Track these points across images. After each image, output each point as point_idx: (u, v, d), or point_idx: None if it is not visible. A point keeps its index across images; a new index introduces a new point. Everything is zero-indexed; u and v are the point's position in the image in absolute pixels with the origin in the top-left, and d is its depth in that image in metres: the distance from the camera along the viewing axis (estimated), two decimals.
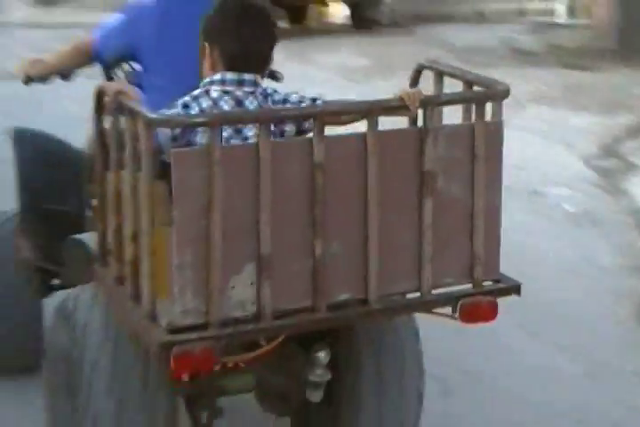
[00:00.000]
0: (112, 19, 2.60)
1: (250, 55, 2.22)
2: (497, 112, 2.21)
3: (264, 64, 2.28)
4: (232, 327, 1.99)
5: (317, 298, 2.06)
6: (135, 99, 2.06)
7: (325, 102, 2.30)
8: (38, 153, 2.76)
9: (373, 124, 2.09)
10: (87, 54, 2.64)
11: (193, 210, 1.93)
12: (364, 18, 10.80)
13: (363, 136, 2.09)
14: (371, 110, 2.11)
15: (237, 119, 2.09)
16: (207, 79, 2.23)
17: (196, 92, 2.21)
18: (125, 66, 2.54)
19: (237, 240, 1.97)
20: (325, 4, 12.37)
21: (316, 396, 2.36)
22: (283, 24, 12.64)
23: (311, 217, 2.03)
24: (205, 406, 2.40)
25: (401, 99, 2.13)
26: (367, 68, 8.22)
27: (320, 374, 2.34)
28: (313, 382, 2.34)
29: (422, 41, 9.51)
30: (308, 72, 8.44)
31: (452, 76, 2.36)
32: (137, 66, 2.55)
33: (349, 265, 2.08)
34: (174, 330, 1.96)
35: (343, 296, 2.10)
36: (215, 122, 1.96)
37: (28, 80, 2.78)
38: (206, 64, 2.25)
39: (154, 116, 1.94)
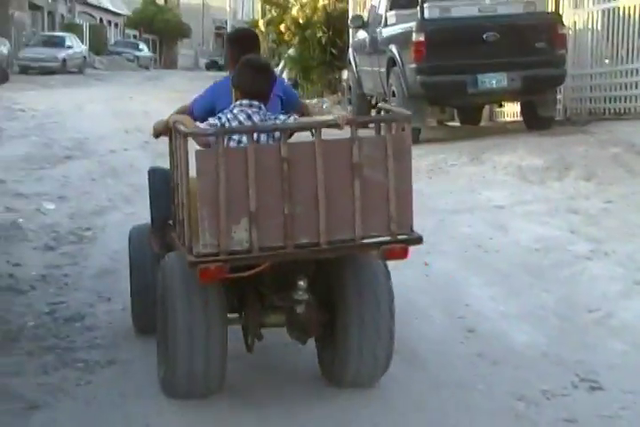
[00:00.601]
0: (203, 91, 4.12)
1: (255, 91, 3.75)
2: (403, 128, 3.56)
3: (265, 96, 3.78)
4: (233, 255, 3.38)
5: (287, 240, 3.43)
6: (188, 125, 3.57)
7: (295, 120, 3.74)
8: (162, 183, 4.12)
9: (319, 135, 3.45)
10: (187, 113, 4.01)
11: (208, 185, 3.32)
12: (537, 117, 10.82)
13: (312, 142, 3.45)
14: (317, 127, 3.49)
15: (234, 131, 3.57)
16: (233, 104, 3.76)
17: (225, 109, 3.75)
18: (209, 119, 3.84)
19: (236, 203, 3.36)
20: (500, 105, 12.50)
21: (300, 308, 3.65)
22: (454, 124, 12.86)
23: (282, 190, 3.40)
24: (252, 333, 3.78)
25: (335, 120, 3.58)
26: (542, 169, 8.19)
27: (301, 294, 3.61)
28: (296, 299, 3.63)
29: (598, 139, 9.43)
30: (483, 173, 8.51)
31: (382, 108, 4.08)
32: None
33: (307, 221, 3.42)
34: (200, 256, 3.36)
35: (303, 240, 3.44)
36: (219, 133, 3.42)
37: (157, 135, 4.06)
38: (234, 97, 3.80)
39: (186, 130, 3.47)
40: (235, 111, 3.70)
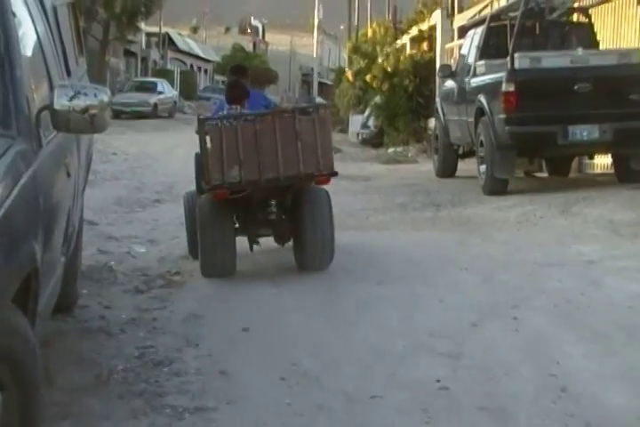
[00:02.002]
0: (215, 106, 7.52)
1: (233, 100, 6.92)
2: (325, 111, 6.63)
3: (239, 102, 6.84)
4: (230, 184, 6.29)
5: (260, 176, 6.29)
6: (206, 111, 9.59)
7: (268, 108, 6.94)
8: (199, 167, 6.80)
9: (278, 116, 6.41)
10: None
11: (215, 146, 6.24)
12: (629, 170, 10.66)
13: (272, 120, 6.34)
14: (275, 113, 6.50)
15: (225, 117, 6.46)
16: (226, 108, 6.91)
17: (222, 110, 6.88)
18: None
19: (231, 156, 6.25)
20: (590, 157, 12.34)
21: (272, 216, 6.63)
22: (542, 175, 12.73)
23: (256, 148, 6.26)
24: (251, 239, 6.82)
25: (284, 108, 7.15)
26: (635, 223, 8.04)
27: (272, 210, 6.61)
28: (269, 212, 6.63)
29: None
30: (573, 226, 8.39)
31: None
32: None
33: (271, 165, 6.26)
34: (212, 186, 6.33)
35: (270, 175, 6.29)
36: (220, 118, 6.48)
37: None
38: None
39: (203, 117, 6.52)
40: (225, 111, 6.92)
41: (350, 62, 27.54)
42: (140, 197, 10.98)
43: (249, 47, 67.37)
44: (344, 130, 28.74)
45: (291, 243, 6.84)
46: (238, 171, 6.30)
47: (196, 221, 6.56)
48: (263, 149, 6.30)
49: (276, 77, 65.89)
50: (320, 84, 70.49)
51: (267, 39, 76.12)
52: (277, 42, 75.02)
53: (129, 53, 44.79)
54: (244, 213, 6.73)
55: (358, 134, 23.96)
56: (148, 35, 48.01)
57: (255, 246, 7.03)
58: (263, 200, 6.62)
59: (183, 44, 54.82)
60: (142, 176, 13.55)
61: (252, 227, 6.79)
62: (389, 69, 20.70)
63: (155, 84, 37.28)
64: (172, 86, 41.06)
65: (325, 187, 6.75)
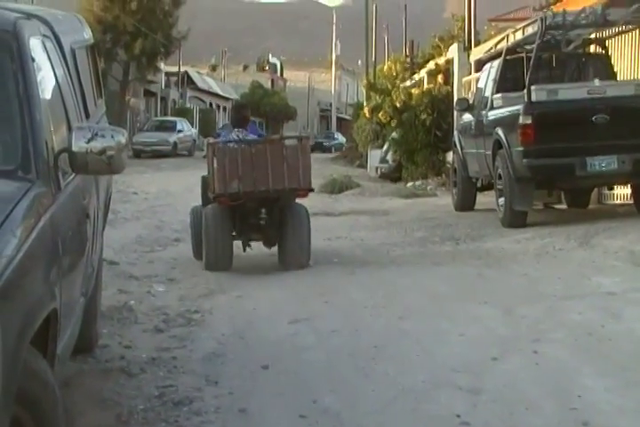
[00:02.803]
0: (222, 134, 9.21)
1: (239, 123, 8.96)
2: (305, 141, 9.06)
3: (244, 126, 8.91)
4: (230, 194, 8.42)
5: (254, 188, 8.43)
6: (215, 141, 8.87)
7: (261, 137, 9.15)
8: (204, 187, 8.98)
9: (273, 143, 8.83)
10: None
11: (220, 163, 8.42)
12: None
13: (265, 146, 8.56)
14: (267, 141, 8.86)
15: (229, 141, 8.74)
16: (233, 131, 8.94)
17: (230, 134, 8.94)
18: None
19: (232, 171, 8.39)
20: (610, 188, 12.33)
21: (263, 221, 8.65)
22: (561, 207, 12.70)
23: (252, 166, 8.39)
24: (245, 243, 8.95)
25: (273, 138, 9.37)
26: None
27: (262, 217, 8.60)
28: (260, 217, 8.64)
29: None
30: (593, 257, 8.36)
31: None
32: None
33: (263, 180, 8.39)
34: (217, 195, 8.49)
35: (262, 188, 8.42)
36: (223, 142, 8.73)
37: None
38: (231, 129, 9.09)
39: (211, 142, 8.79)
40: (232, 134, 8.81)
41: (368, 98, 27.72)
42: (160, 236, 11.05)
43: (267, 84, 67.89)
44: (363, 165, 28.84)
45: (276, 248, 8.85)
46: (237, 183, 8.44)
47: (202, 226, 8.65)
48: (257, 167, 8.44)
49: (294, 113, 66.32)
50: (338, 119, 70.86)
51: (285, 76, 76.72)
52: (295, 78, 75.58)
53: (149, 93, 45.27)
54: (240, 220, 8.73)
55: (377, 169, 24.04)
56: (168, 74, 48.56)
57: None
58: (255, 208, 8.67)
59: (202, 83, 55.31)
60: (162, 215, 13.64)
61: (246, 231, 8.86)
62: (398, 105, 20.81)
63: (174, 123, 37.64)
64: (192, 125, 41.44)
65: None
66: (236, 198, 8.48)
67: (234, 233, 8.72)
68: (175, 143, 35.61)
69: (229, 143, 8.63)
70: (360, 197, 17.32)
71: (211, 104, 56.47)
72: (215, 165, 8.44)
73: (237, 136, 8.74)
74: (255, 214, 8.65)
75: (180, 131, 36.89)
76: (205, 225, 8.53)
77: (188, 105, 51.07)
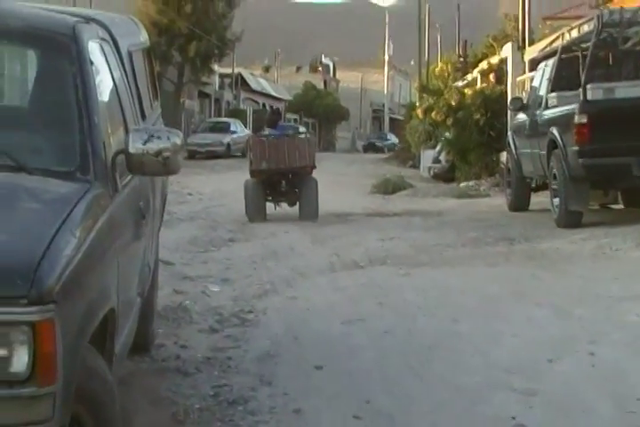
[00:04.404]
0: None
1: (269, 124, 13.96)
2: (311, 135, 15.22)
3: (273, 125, 13.82)
4: (263, 170, 13.03)
5: (276, 166, 12.91)
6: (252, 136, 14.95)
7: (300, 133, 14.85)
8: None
9: (290, 137, 13.47)
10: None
11: (256, 150, 13.00)
12: None
13: (284, 139, 13.19)
14: (285, 135, 13.53)
15: (262, 136, 13.57)
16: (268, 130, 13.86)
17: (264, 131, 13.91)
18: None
19: (262, 155, 12.86)
20: None
21: (283, 189, 13.32)
22: (618, 207, 12.53)
23: (276, 151, 12.84)
24: (275, 203, 13.48)
25: (293, 133, 14.27)
26: None
27: (284, 185, 13.22)
28: (283, 186, 13.25)
29: None
30: None
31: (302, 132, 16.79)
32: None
33: (282, 160, 12.87)
34: (252, 171, 13.11)
35: (281, 166, 12.91)
36: (257, 135, 14.03)
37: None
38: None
39: (251, 136, 15.93)
40: (265, 132, 13.48)
41: (420, 98, 27.62)
42: (214, 237, 11.13)
43: (320, 85, 67.97)
44: (415, 165, 28.73)
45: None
46: (266, 163, 12.78)
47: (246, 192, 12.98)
48: (279, 152, 12.79)
49: (346, 114, 66.35)
50: (391, 119, 70.72)
51: (337, 77, 76.69)
52: (348, 79, 75.52)
53: (203, 95, 45.62)
54: (270, 188, 13.12)
55: (430, 169, 23.95)
56: (222, 76, 48.86)
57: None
58: (278, 180, 13.13)
59: (256, 84, 55.60)
60: (216, 215, 13.74)
61: (275, 195, 13.27)
62: (453, 103, 20.69)
63: (228, 125, 37.89)
64: (245, 126, 41.63)
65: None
66: (265, 173, 12.93)
67: (268, 198, 13.20)
68: (229, 144, 35.84)
69: (262, 137, 13.26)
70: (413, 198, 17.27)
71: (264, 105, 56.69)
72: (251, 151, 13.13)
73: (268, 133, 13.40)
74: (279, 184, 13.17)
75: (233, 132, 37.11)
76: (248, 191, 13.01)
77: (241, 106, 51.37)
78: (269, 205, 13.36)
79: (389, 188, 18.75)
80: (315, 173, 13.21)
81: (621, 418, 4.14)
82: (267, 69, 68.90)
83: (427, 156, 25.18)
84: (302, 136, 13.82)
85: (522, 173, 13.01)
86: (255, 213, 12.88)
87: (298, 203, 13.07)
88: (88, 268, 2.81)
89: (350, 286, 7.58)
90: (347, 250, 9.71)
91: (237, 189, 15.78)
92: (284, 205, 13.56)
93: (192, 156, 33.39)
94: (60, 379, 2.45)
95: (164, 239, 6.52)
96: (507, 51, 19.89)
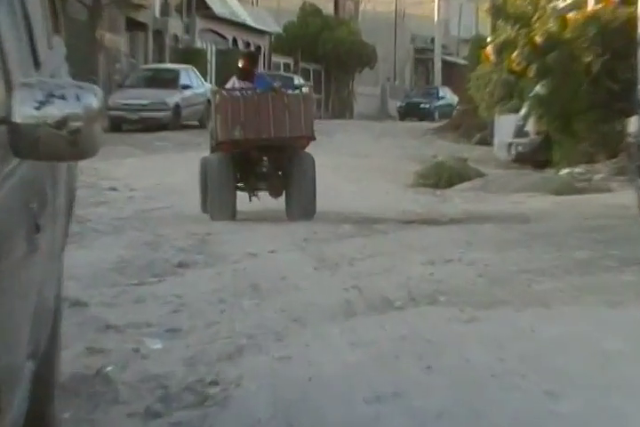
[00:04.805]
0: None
1: (241, 74, 15.66)
2: (308, 91, 16.99)
3: (249, 77, 15.48)
4: (235, 142, 14.92)
5: (256, 135, 14.56)
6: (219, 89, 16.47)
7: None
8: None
9: (273, 92, 15.11)
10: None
11: (222, 110, 14.69)
12: None
13: (267, 95, 14.92)
14: (271, 89, 15.23)
15: (232, 89, 15.55)
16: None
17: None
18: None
19: (233, 120, 14.42)
20: None
21: (265, 169, 14.86)
22: None
23: (254, 113, 14.46)
24: (251, 191, 15.11)
25: (275, 87, 15.69)
26: None
27: (265, 165, 14.86)
28: (263, 166, 14.88)
29: None
30: None
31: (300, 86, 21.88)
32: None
33: (266, 127, 14.48)
34: (219, 142, 14.79)
35: (264, 135, 14.56)
36: (226, 90, 15.55)
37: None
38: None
39: (214, 90, 16.70)
40: (236, 84, 15.13)
41: (494, 30, 27.60)
42: (156, 259, 11.16)
43: (329, 9, 67.87)
44: (486, 140, 28.81)
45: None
46: (240, 130, 13.53)
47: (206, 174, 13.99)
48: (260, 114, 13.81)
49: (372, 57, 66.09)
50: (446, 64, 70.80)
51: None
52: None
53: (134, 25, 45.66)
54: (244, 169, 14.01)
55: (510, 146, 23.99)
56: None
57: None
58: (258, 158, 14.12)
59: (221, 7, 55.45)
60: (159, 224, 13.80)
61: (251, 180, 14.34)
62: (539, 41, 20.71)
63: (176, 74, 37.91)
64: (205, 77, 41.66)
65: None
66: (238, 146, 14.17)
67: (240, 184, 14.53)
68: (177, 107, 35.87)
69: (232, 94, 14.56)
70: (482, 194, 17.33)
71: (235, 42, 56.70)
72: (218, 111, 14.17)
73: (241, 87, 14.65)
74: (258, 163, 14.36)
75: (185, 87, 37.15)
76: (209, 173, 14.04)
77: (198, 44, 51.41)
78: (242, 196, 13.90)
79: (443, 178, 18.83)
80: (319, 152, 13.38)
81: None
82: None
83: (504, 125, 25.23)
84: (294, 92, 15.51)
85: None
86: (219, 206, 14.06)
87: (285, 193, 14.37)
88: None
89: (379, 340, 7.59)
90: (373, 280, 9.76)
91: (191, 180, 15.88)
92: (264, 196, 14.11)
93: (117, 126, 33.48)
94: None
95: (71, 265, 6.53)
96: None
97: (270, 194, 14.53)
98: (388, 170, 21.29)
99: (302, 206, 13.85)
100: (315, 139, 14.32)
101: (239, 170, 14.27)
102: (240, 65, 15.21)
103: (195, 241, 12.44)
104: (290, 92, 15.27)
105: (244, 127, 13.88)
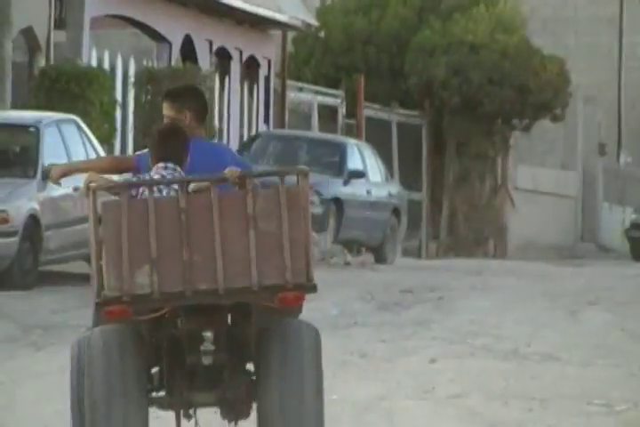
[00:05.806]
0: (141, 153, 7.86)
1: (165, 149, 7.32)
2: (301, 181, 6.89)
3: (180, 153, 7.21)
4: (135, 297, 6.64)
5: (186, 286, 6.60)
6: (99, 180, 6.95)
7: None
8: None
9: (215, 187, 6.69)
10: (128, 166, 7.53)
11: (113, 233, 6.74)
12: None
13: (209, 194, 6.67)
14: (210, 180, 6.78)
15: (133, 184, 7.02)
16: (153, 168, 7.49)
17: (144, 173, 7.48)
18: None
19: (140, 249, 6.63)
20: None
21: (207, 359, 6.69)
22: None
23: (180, 239, 6.61)
24: (180, 411, 7.01)
25: (225, 174, 6.82)
26: None
27: (207, 350, 6.67)
28: (203, 350, 6.67)
29: None
30: None
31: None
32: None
33: (205, 268, 6.62)
34: (105, 299, 6.67)
35: (202, 286, 6.61)
36: (121, 187, 6.95)
37: (57, 178, 7.56)
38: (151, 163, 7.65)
39: (93, 186, 6.94)
40: (152, 173, 7.05)
41: None
42: None
43: None
44: None
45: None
46: (149, 275, 6.56)
47: (85, 377, 6.77)
48: (192, 240, 6.64)
49: (562, 90, 36.50)
50: None
51: None
52: None
53: None
54: (164, 357, 6.86)
55: None
56: None
57: None
58: (194, 333, 6.71)
59: None
60: None
61: (179, 386, 6.84)
62: None
63: (35, 143, 19.70)
64: (102, 143, 20.90)
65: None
66: (149, 308, 6.72)
67: (154, 392, 7.03)
68: (32, 224, 18.23)
69: (137, 190, 6.97)
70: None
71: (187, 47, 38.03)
72: (104, 235, 6.73)
73: (162, 177, 7.03)
74: (192, 344, 6.80)
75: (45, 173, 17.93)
76: (90, 372, 6.79)
77: (89, 60, 28.04)
78: (163, 419, 7.45)
79: None
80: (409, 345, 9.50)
81: None
82: None
83: None
84: (269, 187, 6.94)
85: None
86: None
87: (257, 412, 6.96)
88: None
89: None
90: None
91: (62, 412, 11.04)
92: (213, 420, 7.51)
93: None
94: None
95: None
96: None
97: (223, 414, 7.20)
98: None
99: None
100: (315, 290, 6.87)
101: (154, 361, 7.03)
102: (158, 136, 7.40)
103: None
104: (261, 186, 7.22)
105: (160, 268, 6.71)
